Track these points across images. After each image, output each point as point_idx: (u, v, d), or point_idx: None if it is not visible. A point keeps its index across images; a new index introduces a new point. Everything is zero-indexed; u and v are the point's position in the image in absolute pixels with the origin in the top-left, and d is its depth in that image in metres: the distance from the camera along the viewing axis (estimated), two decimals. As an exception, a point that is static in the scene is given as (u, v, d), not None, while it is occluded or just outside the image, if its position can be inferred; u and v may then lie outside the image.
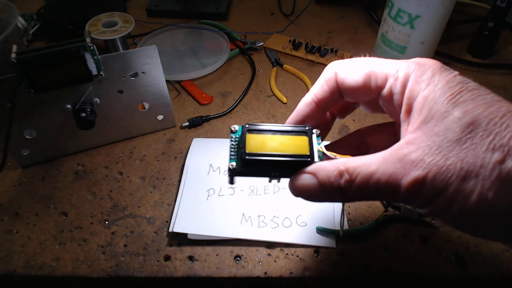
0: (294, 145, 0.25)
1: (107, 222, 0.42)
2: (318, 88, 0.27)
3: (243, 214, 0.42)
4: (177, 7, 0.72)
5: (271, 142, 0.25)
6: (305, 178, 0.24)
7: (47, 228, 0.42)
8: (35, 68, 0.38)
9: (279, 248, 0.40)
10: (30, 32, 0.67)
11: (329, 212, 0.42)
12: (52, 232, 0.42)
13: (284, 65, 0.62)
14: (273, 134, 0.26)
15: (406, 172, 0.21)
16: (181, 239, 0.40)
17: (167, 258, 0.39)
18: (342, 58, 0.62)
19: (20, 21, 0.63)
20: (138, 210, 0.43)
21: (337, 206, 0.43)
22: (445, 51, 0.61)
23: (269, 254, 0.39)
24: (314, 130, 0.26)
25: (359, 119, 0.53)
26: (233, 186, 0.44)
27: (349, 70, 0.26)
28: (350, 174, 0.22)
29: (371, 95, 0.26)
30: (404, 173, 0.21)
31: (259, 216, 0.42)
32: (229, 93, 0.58)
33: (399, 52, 0.54)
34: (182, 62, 0.62)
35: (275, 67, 0.61)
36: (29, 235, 0.41)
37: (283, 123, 0.28)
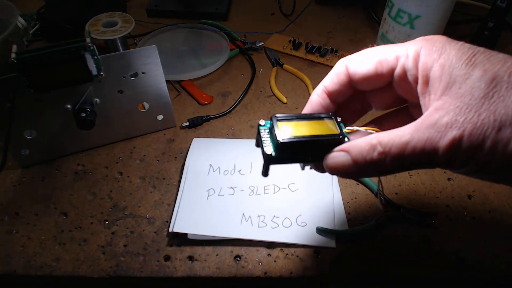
0: (322, 128, 0.27)
1: (107, 222, 0.42)
2: (329, 80, 0.29)
3: (243, 214, 0.42)
4: (177, 7, 0.72)
5: (301, 128, 0.26)
6: (339, 156, 0.25)
7: (47, 228, 0.42)
8: (35, 68, 0.38)
9: (279, 248, 0.40)
10: (30, 32, 0.67)
11: (329, 212, 0.42)
12: (52, 232, 0.41)
13: (284, 65, 0.62)
14: (301, 120, 0.27)
15: (442, 135, 0.21)
16: (181, 239, 0.40)
17: (167, 258, 0.39)
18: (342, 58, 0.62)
19: (20, 21, 0.63)
20: (138, 210, 0.43)
21: (337, 206, 0.43)
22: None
23: (269, 254, 0.39)
24: (336, 118, 0.28)
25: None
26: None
27: (359, 61, 0.27)
28: (384, 146, 0.23)
29: (385, 79, 0.27)
30: (440, 136, 0.21)
31: (259, 216, 0.42)
32: (229, 93, 0.58)
33: (399, 52, 0.53)
34: (182, 62, 0.62)
35: (275, 67, 0.61)
36: (29, 235, 0.41)
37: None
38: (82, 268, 0.39)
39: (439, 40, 0.24)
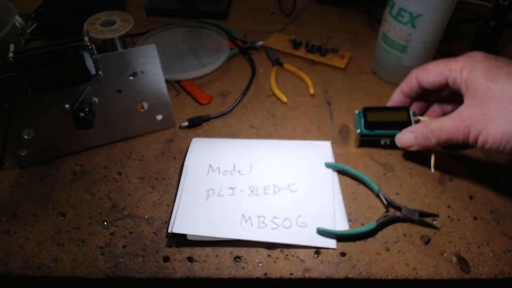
0: (396, 116, 0.45)
1: (105, 223, 0.42)
2: (404, 84, 0.46)
3: (243, 215, 0.41)
4: (176, 6, 0.72)
5: (382, 115, 0.46)
6: (406, 134, 0.43)
7: (45, 228, 0.42)
8: (33, 68, 0.37)
9: (279, 249, 0.40)
10: (28, 31, 0.66)
11: (329, 213, 0.42)
12: (50, 233, 0.41)
13: (284, 64, 0.61)
14: (383, 111, 0.46)
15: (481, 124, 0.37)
16: (180, 240, 0.40)
17: (166, 259, 0.39)
18: (343, 57, 0.61)
19: (18, 20, 0.62)
20: (137, 211, 0.43)
21: (338, 206, 0.43)
22: (446, 50, 0.61)
23: (269, 255, 0.39)
24: (410, 110, 0.45)
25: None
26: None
27: (425, 71, 0.43)
28: (435, 130, 0.40)
29: (443, 84, 0.41)
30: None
31: (259, 216, 0.41)
32: (228, 92, 0.57)
33: (400, 51, 0.53)
34: (181, 61, 0.61)
35: (275, 67, 0.61)
36: (27, 236, 0.41)
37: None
38: (80, 269, 0.38)
39: (476, 56, 0.39)
